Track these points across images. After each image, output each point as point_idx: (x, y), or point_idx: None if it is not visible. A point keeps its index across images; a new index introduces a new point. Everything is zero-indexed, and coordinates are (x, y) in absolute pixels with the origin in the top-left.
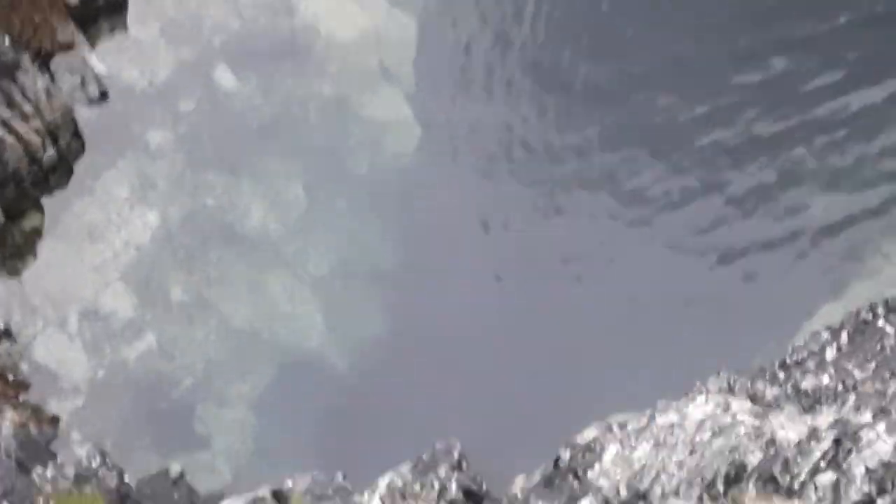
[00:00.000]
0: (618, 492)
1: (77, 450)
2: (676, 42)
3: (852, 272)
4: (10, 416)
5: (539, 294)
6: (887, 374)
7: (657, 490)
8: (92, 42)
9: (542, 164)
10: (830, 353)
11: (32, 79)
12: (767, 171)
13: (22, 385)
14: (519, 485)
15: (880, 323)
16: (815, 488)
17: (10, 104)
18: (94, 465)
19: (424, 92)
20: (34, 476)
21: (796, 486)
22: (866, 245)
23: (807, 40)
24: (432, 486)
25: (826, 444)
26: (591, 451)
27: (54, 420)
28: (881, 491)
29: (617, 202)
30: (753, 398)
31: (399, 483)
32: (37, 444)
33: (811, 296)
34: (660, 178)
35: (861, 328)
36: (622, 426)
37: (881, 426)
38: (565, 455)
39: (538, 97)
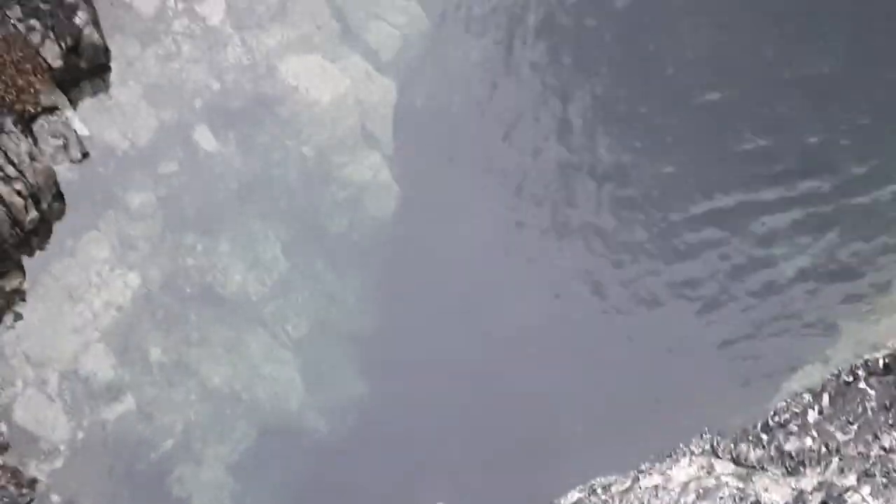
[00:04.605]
0: None
1: None
2: None
3: (831, 334)
4: None
5: (518, 355)
6: (870, 437)
7: None
8: (75, 104)
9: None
10: (812, 415)
11: (16, 142)
12: (750, 231)
13: (1, 446)
14: None
15: (861, 385)
16: None
17: None
18: None
19: (403, 154)
20: None
21: None
22: (845, 306)
23: None
24: None
25: None
26: None
27: (33, 482)
28: None
29: (596, 253)
30: (737, 460)
31: None
32: None
33: (791, 356)
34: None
35: (842, 390)
36: (606, 488)
37: (865, 489)
38: None
39: (515, 162)
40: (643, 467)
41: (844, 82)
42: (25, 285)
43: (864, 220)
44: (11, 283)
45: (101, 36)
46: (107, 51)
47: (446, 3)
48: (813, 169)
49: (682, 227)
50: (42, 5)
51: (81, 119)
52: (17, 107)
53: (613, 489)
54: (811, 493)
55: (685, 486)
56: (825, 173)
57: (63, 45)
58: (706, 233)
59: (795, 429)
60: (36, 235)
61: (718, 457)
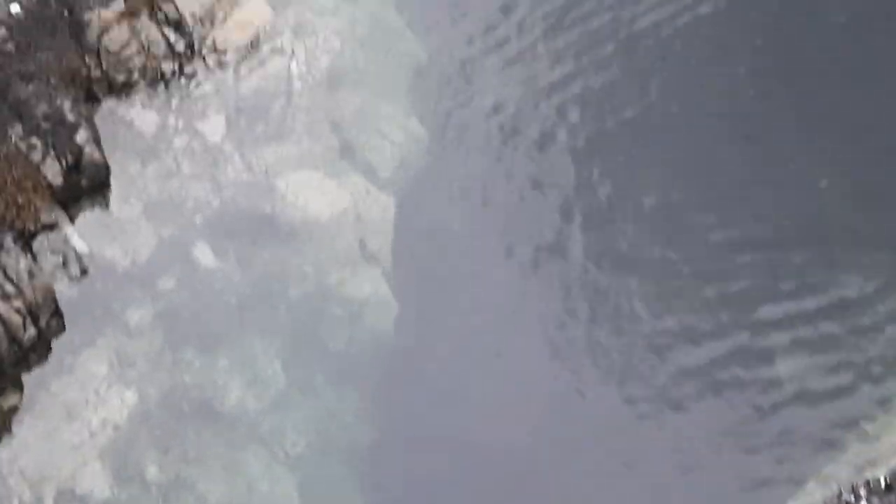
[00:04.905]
0: None
1: None
2: None
3: (832, 451)
4: None
5: (520, 464)
6: None
7: None
8: (74, 221)
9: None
10: None
11: (15, 259)
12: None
13: None
14: None
15: None
16: None
17: None
18: None
19: (402, 270)
20: None
21: None
22: (846, 423)
23: None
24: None
25: None
26: None
27: None
28: None
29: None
30: None
31: None
32: None
33: (792, 474)
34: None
35: None
36: None
37: None
38: None
39: (514, 278)
40: None
41: None
42: (23, 403)
43: (865, 336)
44: (9, 401)
45: (102, 154)
46: (107, 168)
47: (446, 120)
48: (814, 285)
49: (686, 338)
50: (43, 123)
51: (81, 236)
52: (17, 224)
53: None
54: None
55: None
56: (826, 290)
57: (64, 162)
58: (708, 345)
59: None
60: (34, 353)
61: None
